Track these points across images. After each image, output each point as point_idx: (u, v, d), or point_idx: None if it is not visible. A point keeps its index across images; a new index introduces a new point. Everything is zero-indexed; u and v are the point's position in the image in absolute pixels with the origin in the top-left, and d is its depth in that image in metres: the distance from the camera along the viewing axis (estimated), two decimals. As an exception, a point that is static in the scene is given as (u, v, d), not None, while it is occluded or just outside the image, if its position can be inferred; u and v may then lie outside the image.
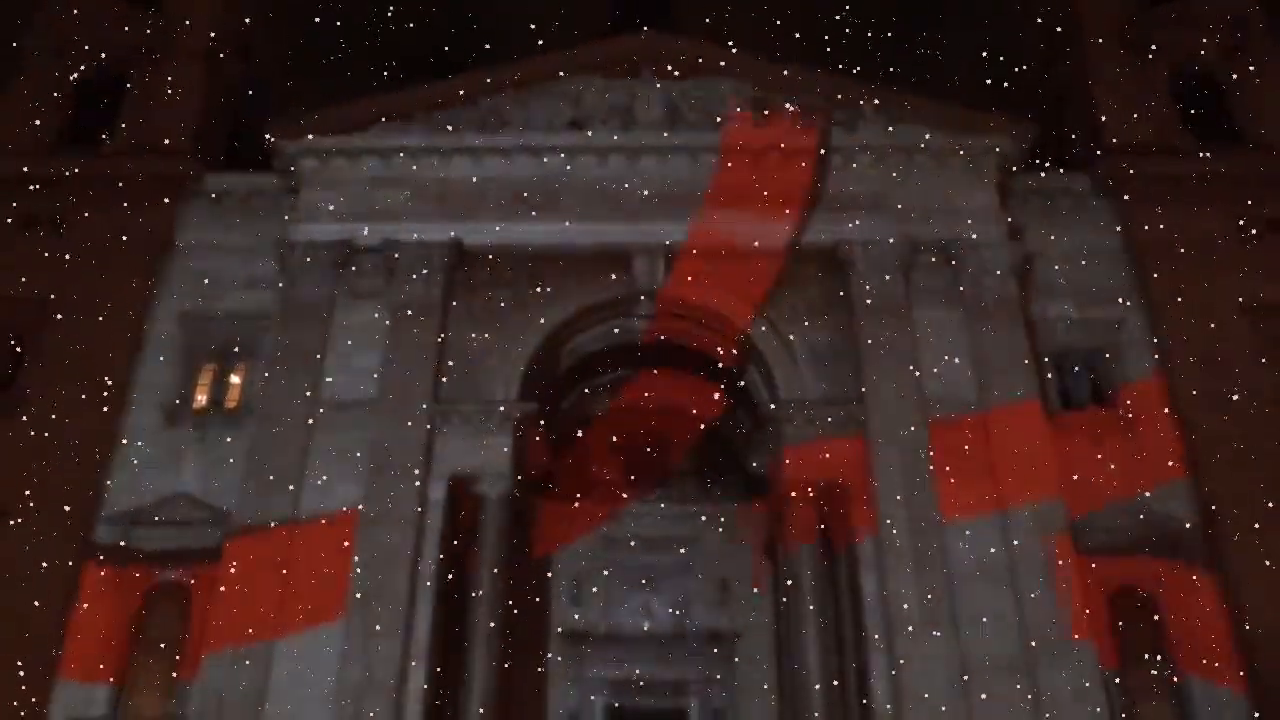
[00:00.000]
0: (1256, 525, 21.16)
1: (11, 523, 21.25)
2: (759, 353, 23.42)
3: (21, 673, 19.74)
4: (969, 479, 21.08)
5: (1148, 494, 21.99)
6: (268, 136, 24.90)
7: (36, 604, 20.24)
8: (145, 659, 21.16)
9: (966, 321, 23.00)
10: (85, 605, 20.69)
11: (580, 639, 26.42)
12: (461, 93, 25.59)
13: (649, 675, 25.99)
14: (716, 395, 26.42)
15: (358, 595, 19.93)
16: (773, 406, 22.81)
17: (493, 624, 20.98)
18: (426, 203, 24.18)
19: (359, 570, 20.17)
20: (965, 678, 19.40)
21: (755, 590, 26.61)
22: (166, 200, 25.16)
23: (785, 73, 25.57)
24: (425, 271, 23.27)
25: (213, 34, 28.41)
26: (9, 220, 24.87)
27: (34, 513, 21.17)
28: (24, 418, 22.41)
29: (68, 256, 24.12)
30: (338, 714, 19.11)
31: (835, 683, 21.16)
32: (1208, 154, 25.80)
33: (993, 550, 20.47)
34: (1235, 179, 25.19)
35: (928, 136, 24.72)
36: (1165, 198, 24.91)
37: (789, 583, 22.12)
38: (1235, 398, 22.54)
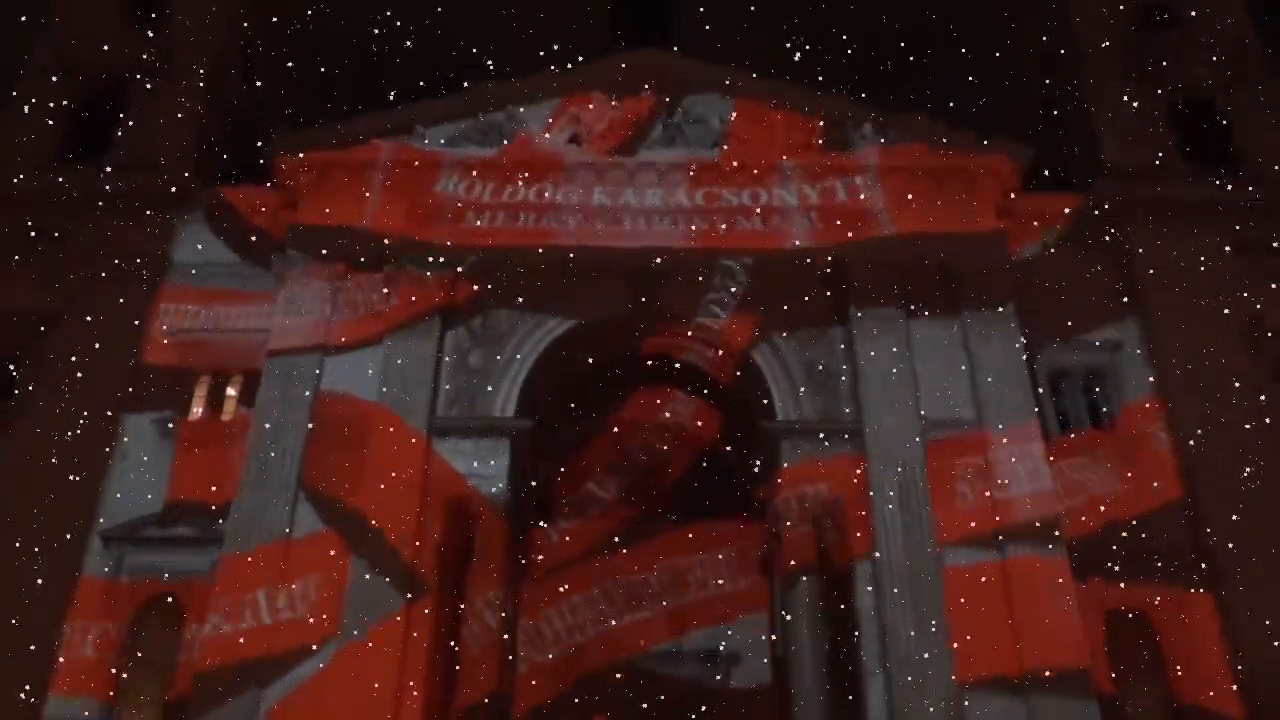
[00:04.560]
0: (1253, 548, 21.13)
1: (5, 535, 21.09)
2: (757, 371, 23.41)
3: (14, 687, 19.56)
4: (966, 499, 21.08)
5: (1145, 516, 21.96)
6: (267, 151, 24.92)
7: (29, 618, 20.05)
8: (137, 674, 20.95)
9: (964, 342, 23.04)
10: (78, 619, 20.53)
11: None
12: (461, 108, 25.69)
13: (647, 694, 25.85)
14: (715, 414, 26.37)
15: (353, 612, 19.78)
16: (770, 426, 22.78)
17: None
18: (425, 217, 24.05)
19: (354, 587, 20.04)
20: (960, 700, 19.28)
21: (752, 610, 26.48)
22: (165, 215, 25.15)
23: (785, 91, 25.71)
24: (424, 286, 23.23)
25: (213, 50, 28.47)
26: (8, 235, 24.78)
27: (28, 526, 20.96)
28: (20, 432, 22.31)
29: (67, 271, 24.07)
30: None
31: (831, 703, 21.01)
32: (1205, 179, 25.97)
33: (989, 571, 20.37)
34: (1232, 203, 25.31)
35: (926, 157, 24.80)
36: (1162, 221, 25.05)
37: (785, 603, 22.06)
38: (1232, 420, 22.57)
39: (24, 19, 28.89)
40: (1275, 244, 24.95)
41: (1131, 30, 28.58)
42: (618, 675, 25.42)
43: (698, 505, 27.47)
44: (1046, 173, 28.14)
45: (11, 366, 23.72)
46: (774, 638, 24.63)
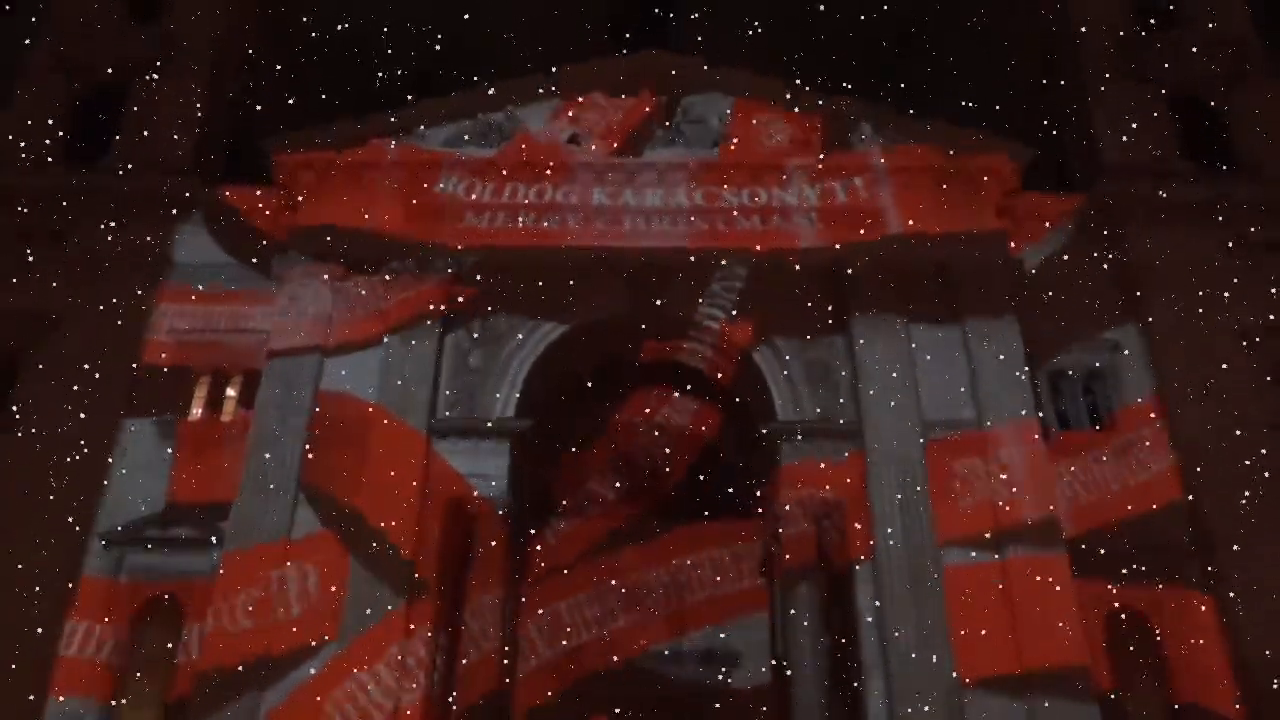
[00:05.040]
0: (1254, 548, 21.12)
1: (5, 535, 21.08)
2: (756, 371, 23.41)
3: (14, 688, 19.57)
4: (966, 499, 21.09)
5: (1145, 516, 21.96)
6: (267, 152, 24.92)
7: (29, 618, 20.03)
8: (137, 675, 20.95)
9: (964, 341, 23.04)
10: (78, 619, 20.53)
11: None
12: (461, 108, 25.72)
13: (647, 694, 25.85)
14: (714, 414, 26.40)
15: (353, 612, 19.80)
16: (770, 427, 22.78)
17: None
18: (425, 218, 24.07)
19: (354, 587, 20.07)
20: (960, 700, 19.30)
21: (752, 610, 26.48)
22: (166, 215, 25.10)
23: (784, 91, 25.70)
24: (424, 287, 23.24)
25: (214, 50, 28.45)
26: (9, 235, 24.74)
27: (28, 526, 20.97)
28: (18, 432, 22.31)
29: (67, 272, 24.04)
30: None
31: (831, 704, 21.02)
32: (1205, 178, 25.96)
33: (989, 571, 20.39)
34: (1232, 203, 25.24)
35: (926, 156, 24.79)
36: (1162, 221, 25.00)
37: (785, 603, 22.07)
38: (1231, 420, 22.54)
39: (24, 19, 28.88)
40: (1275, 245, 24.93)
41: (1131, 30, 28.52)
42: (617, 675, 25.47)
43: (698, 505, 27.51)
44: (1047, 171, 28.13)
45: (12, 367, 23.67)
46: (774, 638, 24.65)
